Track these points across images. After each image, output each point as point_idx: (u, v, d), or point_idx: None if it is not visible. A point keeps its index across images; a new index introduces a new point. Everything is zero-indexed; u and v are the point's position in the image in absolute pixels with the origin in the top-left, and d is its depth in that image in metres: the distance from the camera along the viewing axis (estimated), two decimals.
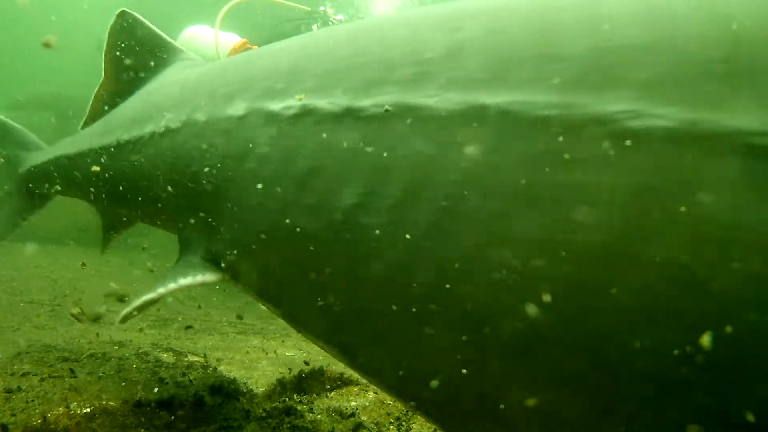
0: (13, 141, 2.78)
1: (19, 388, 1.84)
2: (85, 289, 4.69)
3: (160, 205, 1.55)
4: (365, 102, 0.89)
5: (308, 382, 2.29)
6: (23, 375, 1.98)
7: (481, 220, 0.72)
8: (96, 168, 1.86)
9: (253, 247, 1.10)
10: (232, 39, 4.34)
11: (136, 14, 2.14)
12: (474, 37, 0.82)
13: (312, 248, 0.95)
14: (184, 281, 1.28)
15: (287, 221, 0.99)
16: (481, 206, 0.73)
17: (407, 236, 0.79)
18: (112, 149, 1.76)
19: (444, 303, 0.77)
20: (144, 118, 1.62)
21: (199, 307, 4.75)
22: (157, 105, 1.60)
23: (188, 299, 5.05)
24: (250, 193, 1.09)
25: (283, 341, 3.90)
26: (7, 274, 4.92)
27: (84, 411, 1.63)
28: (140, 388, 1.90)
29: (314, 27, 4.73)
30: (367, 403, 2.00)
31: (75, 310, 2.35)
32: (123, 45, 2.18)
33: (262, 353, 3.53)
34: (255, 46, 4.40)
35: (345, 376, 2.29)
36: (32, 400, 1.75)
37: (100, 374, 2.07)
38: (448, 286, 0.76)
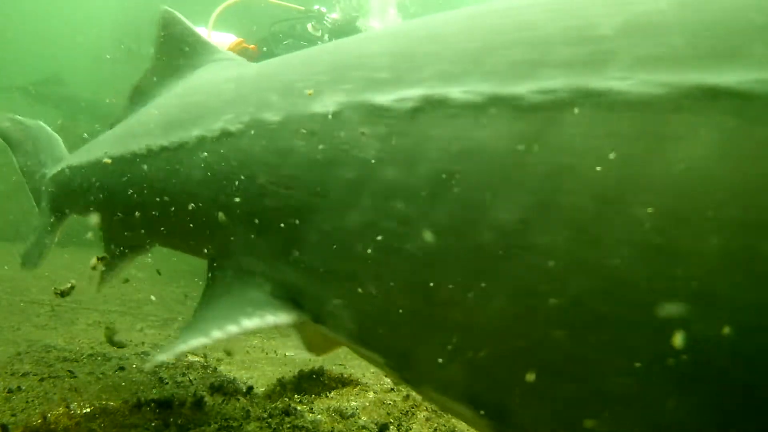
0: (45, 150, 2.52)
1: (19, 388, 1.84)
2: (86, 289, 4.69)
3: (203, 226, 1.29)
4: (520, 88, 0.70)
5: (308, 382, 2.29)
6: (23, 375, 1.98)
7: (719, 235, 0.54)
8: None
9: (353, 279, 0.88)
10: (228, 39, 4.36)
11: (174, 11, 1.94)
12: (663, 10, 0.66)
13: (447, 280, 0.74)
14: (250, 323, 1.03)
15: (408, 245, 0.78)
16: (718, 216, 0.55)
17: (602, 259, 0.61)
18: (142, 158, 1.50)
19: (664, 355, 0.58)
20: (187, 121, 1.37)
21: None
22: (204, 105, 1.36)
23: (188, 299, 5.05)
24: (348, 210, 0.87)
25: (283, 341, 3.90)
26: (7, 274, 4.92)
27: (84, 411, 1.63)
28: (140, 388, 1.90)
29: (309, 26, 4.75)
30: (367, 403, 2.01)
31: (58, 289, 2.30)
32: (164, 45, 1.94)
33: (262, 353, 3.53)
34: (252, 46, 4.41)
35: (345, 376, 2.29)
36: (32, 400, 1.76)
37: (100, 374, 2.07)
38: (669, 329, 0.57)
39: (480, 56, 0.77)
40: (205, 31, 4.27)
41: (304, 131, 0.98)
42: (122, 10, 11.50)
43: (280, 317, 1.02)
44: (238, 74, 1.41)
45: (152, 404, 1.70)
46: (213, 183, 1.20)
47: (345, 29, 4.70)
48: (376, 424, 1.86)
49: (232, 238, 1.18)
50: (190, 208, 1.31)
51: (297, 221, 0.98)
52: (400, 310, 0.82)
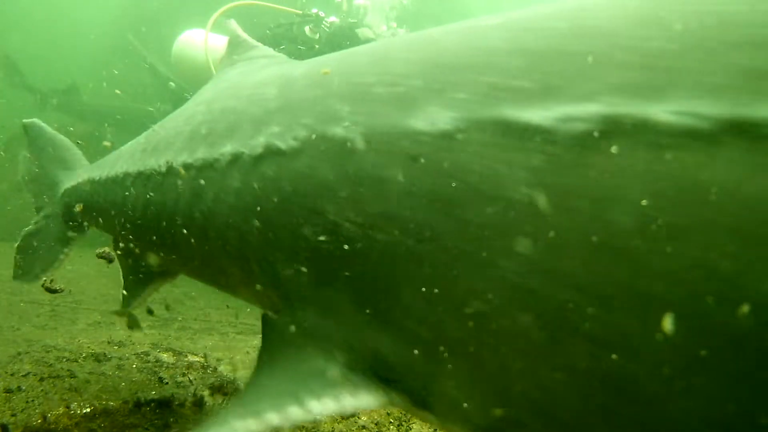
0: (56, 156, 2.43)
1: (19, 388, 1.84)
2: (86, 289, 4.69)
3: (243, 263, 1.05)
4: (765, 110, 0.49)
5: None
6: (23, 375, 1.98)
7: None
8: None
9: (488, 356, 0.66)
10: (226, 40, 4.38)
11: (232, 21, 1.88)
12: None
13: (652, 373, 0.53)
14: (319, 407, 0.77)
15: (587, 323, 0.56)
16: None
17: None
18: (160, 176, 1.28)
19: None
20: (216, 133, 1.12)
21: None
22: (238, 113, 1.10)
23: (188, 299, 5.06)
24: (481, 264, 0.64)
25: None
26: (7, 274, 4.93)
27: (84, 411, 1.64)
28: (140, 388, 1.90)
29: (306, 29, 4.77)
30: None
31: (46, 284, 2.31)
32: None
33: None
34: None
35: None
36: (32, 400, 1.76)
37: (100, 374, 2.07)
38: None
39: (678, 61, 0.56)
40: (203, 33, 4.28)
41: (396, 153, 0.73)
42: (122, 10, 11.53)
43: (362, 399, 0.77)
44: (282, 75, 1.13)
45: (152, 404, 1.71)
46: (255, 213, 0.96)
47: (343, 33, 4.72)
48: (376, 424, 1.86)
49: (288, 286, 0.93)
50: (222, 240, 1.07)
51: (390, 272, 0.74)
52: (567, 405, 0.61)
